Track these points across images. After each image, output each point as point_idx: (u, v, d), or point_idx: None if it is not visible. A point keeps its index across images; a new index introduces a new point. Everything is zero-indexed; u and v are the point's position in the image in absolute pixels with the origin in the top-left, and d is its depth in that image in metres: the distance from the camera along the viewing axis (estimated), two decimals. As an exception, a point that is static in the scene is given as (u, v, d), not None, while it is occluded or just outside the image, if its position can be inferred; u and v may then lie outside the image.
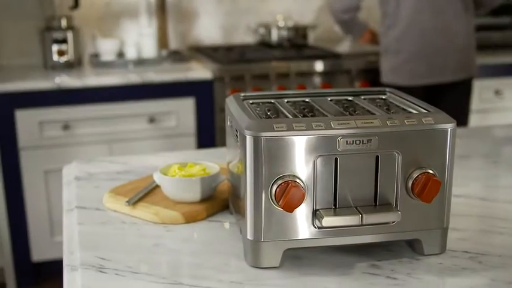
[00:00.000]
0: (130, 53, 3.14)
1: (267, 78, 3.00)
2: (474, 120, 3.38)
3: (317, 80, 3.07)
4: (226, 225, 1.16)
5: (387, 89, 1.21)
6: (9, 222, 2.86)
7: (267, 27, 3.48)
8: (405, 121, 0.97)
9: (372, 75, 3.10)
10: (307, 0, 3.70)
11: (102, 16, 3.39)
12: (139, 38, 3.20)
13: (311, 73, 3.06)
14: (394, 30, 2.84)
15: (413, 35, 2.80)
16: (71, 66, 3.09)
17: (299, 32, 3.48)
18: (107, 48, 3.15)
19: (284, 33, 3.43)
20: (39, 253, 2.92)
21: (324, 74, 3.07)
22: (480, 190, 1.34)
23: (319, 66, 3.06)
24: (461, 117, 2.99)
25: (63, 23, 3.11)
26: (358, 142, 0.95)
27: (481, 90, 3.37)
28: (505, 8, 3.67)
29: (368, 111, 1.07)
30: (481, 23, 3.59)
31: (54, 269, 2.91)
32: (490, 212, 1.22)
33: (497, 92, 3.41)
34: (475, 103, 3.37)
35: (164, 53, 3.25)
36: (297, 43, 3.44)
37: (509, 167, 1.53)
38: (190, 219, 1.17)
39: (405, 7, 2.78)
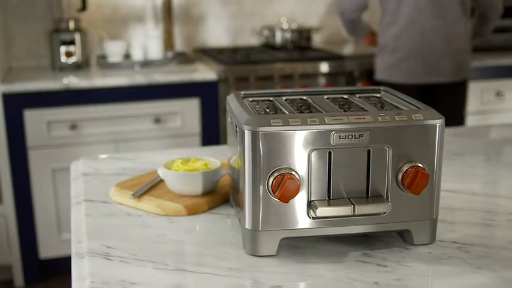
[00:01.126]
0: (137, 55, 3.20)
1: (271, 79, 3.05)
2: (475, 121, 3.43)
3: (320, 81, 3.12)
4: (228, 221, 1.21)
5: (381, 88, 1.26)
6: (18, 220, 2.92)
7: (272, 30, 3.54)
8: (395, 117, 1.02)
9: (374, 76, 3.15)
10: (310, 3, 3.76)
11: (110, 18, 3.46)
12: (145, 40, 3.26)
13: (314, 74, 3.11)
14: (394, 27, 2.89)
15: (412, 34, 2.84)
16: (79, 67, 3.15)
17: (303, 34, 3.54)
18: (114, 50, 3.21)
19: (288, 35, 3.49)
20: (46, 250, 2.98)
21: (327, 75, 3.13)
22: (472, 185, 1.39)
23: (322, 67, 3.11)
24: (456, 119, 3.03)
25: (71, 25, 3.18)
26: (350, 137, 1.00)
27: (483, 92, 3.42)
28: (507, 11, 3.72)
29: (362, 108, 1.13)
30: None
31: (61, 266, 2.97)
32: (480, 206, 1.26)
33: (499, 94, 3.45)
34: (477, 104, 3.42)
35: (170, 54, 3.31)
36: (301, 45, 3.49)
37: (502, 165, 1.58)
38: (192, 211, 1.23)
39: (406, 5, 2.83)
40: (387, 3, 2.91)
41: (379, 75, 2.98)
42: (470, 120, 3.42)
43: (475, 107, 3.43)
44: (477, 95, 3.41)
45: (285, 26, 3.54)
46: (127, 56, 3.26)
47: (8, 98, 2.77)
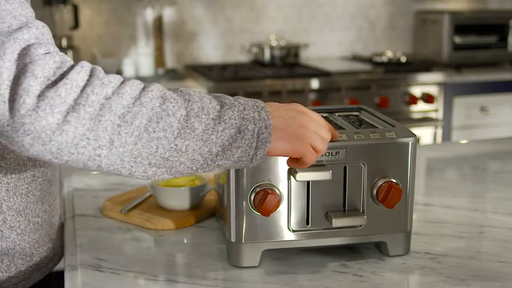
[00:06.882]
0: (129, 72, 3.27)
1: (259, 95, 3.11)
2: (461, 136, 3.50)
3: (308, 97, 3.19)
4: (214, 234, 1.27)
5: (361, 107, 1.33)
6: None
7: (260, 47, 3.61)
8: (370, 135, 1.08)
9: (361, 93, 3.23)
10: (298, 21, 3.84)
11: (102, 36, 3.52)
12: (137, 57, 3.33)
13: (303, 91, 3.18)
14: None
15: None
16: (71, 84, 3.20)
17: (291, 51, 3.61)
18: (106, 67, 3.26)
19: (277, 52, 3.56)
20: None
21: (315, 91, 3.19)
22: (447, 199, 1.45)
23: (310, 84, 3.18)
24: None
25: (64, 42, 3.24)
26: (327, 154, 1.06)
27: (467, 107, 3.50)
28: (491, 28, 3.81)
29: (340, 126, 1.19)
30: (468, 42, 3.73)
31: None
32: (453, 218, 1.33)
33: (483, 109, 3.53)
34: (462, 119, 3.50)
35: (161, 71, 3.38)
36: (289, 62, 3.56)
37: (478, 179, 1.65)
38: (180, 225, 1.28)
39: None
40: None
41: None
42: (456, 135, 3.50)
43: (460, 122, 3.51)
44: (462, 110, 3.48)
45: (274, 43, 3.61)
46: (119, 72, 3.32)
47: (2, 114, 2.82)
